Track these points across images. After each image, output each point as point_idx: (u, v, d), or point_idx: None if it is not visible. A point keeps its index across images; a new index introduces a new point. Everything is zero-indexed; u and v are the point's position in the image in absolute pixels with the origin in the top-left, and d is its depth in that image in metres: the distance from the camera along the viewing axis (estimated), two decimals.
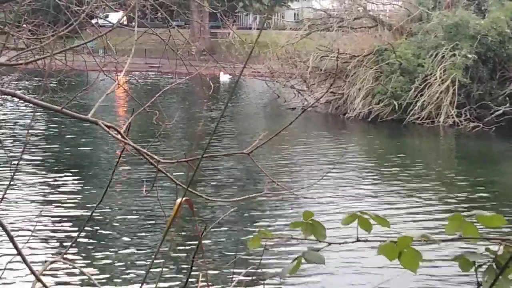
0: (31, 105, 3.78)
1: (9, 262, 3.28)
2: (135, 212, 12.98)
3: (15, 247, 2.91)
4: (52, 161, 17.89)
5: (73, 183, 15.13)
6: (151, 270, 9.32)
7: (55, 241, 11.32)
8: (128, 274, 10.01)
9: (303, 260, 1.90)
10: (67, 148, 19.72)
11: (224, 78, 35.13)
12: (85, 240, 11.11)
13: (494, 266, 1.72)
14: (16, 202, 13.09)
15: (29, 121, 23.35)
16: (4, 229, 2.96)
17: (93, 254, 10.64)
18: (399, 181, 15.86)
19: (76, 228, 11.85)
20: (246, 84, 36.86)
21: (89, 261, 10.33)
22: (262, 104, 32.07)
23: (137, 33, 4.18)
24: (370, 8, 29.56)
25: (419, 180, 15.89)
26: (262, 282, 9.33)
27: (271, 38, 29.33)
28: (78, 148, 19.65)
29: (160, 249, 2.47)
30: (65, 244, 10.94)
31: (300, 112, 7.07)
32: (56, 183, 15.19)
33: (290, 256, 9.39)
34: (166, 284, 9.57)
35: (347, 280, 9.94)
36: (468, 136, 22.82)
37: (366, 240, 1.93)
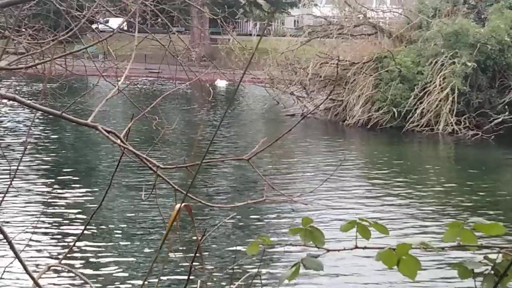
0: (31, 109, 3.79)
1: (8, 266, 3.28)
2: (134, 217, 12.97)
3: (14, 251, 2.91)
4: (51, 165, 17.87)
5: (72, 188, 15.11)
6: (150, 276, 9.31)
7: (54, 245, 11.31)
8: (126, 279, 10.00)
9: (301, 267, 1.90)
10: (67, 153, 19.72)
11: (221, 84, 35.10)
12: (84, 245, 11.09)
13: (493, 274, 1.72)
14: (15, 207, 13.08)
15: (28, 126, 23.34)
16: (3, 234, 2.95)
17: (91, 259, 10.62)
18: (398, 188, 15.85)
19: (75, 233, 11.84)
20: (245, 90, 36.88)
21: (87, 266, 10.31)
22: (261, 111, 32.09)
23: (137, 39, 4.18)
24: (370, 15, 29.60)
25: (418, 188, 15.89)
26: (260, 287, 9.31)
27: (271, 45, 29.37)
28: (78, 153, 19.64)
29: (159, 254, 2.47)
30: (63, 248, 10.92)
31: (300, 118, 7.08)
32: (55, 187, 15.17)
33: (289, 261, 9.39)
34: None
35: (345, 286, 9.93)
36: (467, 144, 22.83)
37: (365, 247, 1.93)
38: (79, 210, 13.28)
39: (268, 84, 29.81)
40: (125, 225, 12.60)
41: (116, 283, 9.85)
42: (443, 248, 1.85)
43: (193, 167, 3.39)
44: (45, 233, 11.90)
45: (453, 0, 27.32)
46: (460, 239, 1.80)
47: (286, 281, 1.88)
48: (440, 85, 24.15)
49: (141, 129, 18.55)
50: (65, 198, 14.23)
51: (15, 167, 11.87)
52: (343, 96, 26.93)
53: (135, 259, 10.83)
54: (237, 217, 12.73)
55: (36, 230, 11.81)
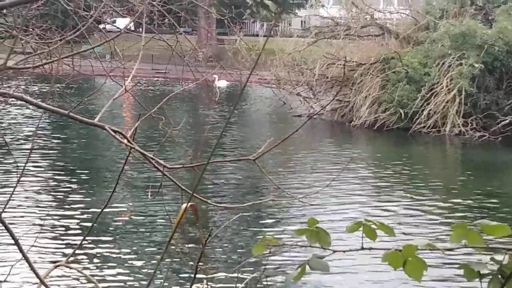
0: (38, 109, 3.80)
1: (14, 265, 3.30)
2: (140, 217, 12.98)
3: (20, 250, 2.92)
4: (58, 165, 17.91)
5: (79, 188, 15.14)
6: (156, 275, 9.32)
7: (60, 245, 11.33)
8: (132, 279, 10.01)
9: (307, 268, 1.90)
10: (73, 153, 19.76)
11: (221, 84, 34.94)
12: (90, 244, 11.11)
13: (499, 276, 1.72)
14: (22, 206, 13.11)
15: (36, 125, 23.40)
16: (10, 233, 2.96)
17: (97, 258, 10.64)
18: (404, 189, 15.83)
19: (82, 233, 11.86)
20: (252, 91, 36.87)
21: (93, 266, 10.33)
22: (268, 111, 32.08)
23: (144, 39, 4.19)
24: (377, 16, 29.58)
25: (425, 189, 15.86)
26: None
27: (278, 45, 29.38)
28: (85, 153, 19.68)
29: (165, 254, 2.47)
30: (70, 248, 10.94)
31: (306, 119, 7.08)
32: (62, 187, 15.20)
33: (294, 262, 9.39)
34: None
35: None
36: (474, 146, 22.78)
37: (371, 248, 1.93)
38: (86, 210, 13.30)
39: (275, 84, 29.82)
40: (131, 225, 12.61)
41: (122, 282, 9.86)
42: (448, 249, 1.85)
43: (199, 167, 3.39)
44: (52, 233, 11.92)
45: (461, 1, 27.28)
46: (466, 241, 1.80)
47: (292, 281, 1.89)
48: (447, 86, 24.11)
49: (148, 129, 18.57)
50: (71, 197, 14.25)
51: (22, 167, 11.93)
52: (349, 97, 26.91)
53: (141, 259, 10.84)
54: (243, 217, 12.73)
55: (42, 229, 11.83)
